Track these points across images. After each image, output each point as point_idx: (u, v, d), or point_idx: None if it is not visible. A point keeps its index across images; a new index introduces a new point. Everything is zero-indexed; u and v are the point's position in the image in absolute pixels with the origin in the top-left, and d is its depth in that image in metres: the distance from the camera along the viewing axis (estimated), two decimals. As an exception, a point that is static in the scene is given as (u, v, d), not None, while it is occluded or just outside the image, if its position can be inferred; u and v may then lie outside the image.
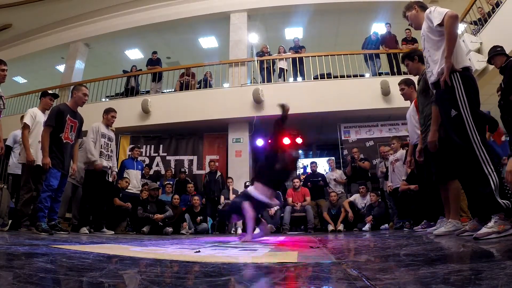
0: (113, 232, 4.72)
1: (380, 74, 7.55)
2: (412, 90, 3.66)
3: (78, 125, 3.91)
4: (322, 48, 8.85)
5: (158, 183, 6.59)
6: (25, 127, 3.99)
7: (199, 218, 5.88)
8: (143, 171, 6.45)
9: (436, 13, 2.23)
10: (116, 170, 4.93)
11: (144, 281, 0.93)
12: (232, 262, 1.38)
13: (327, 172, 7.17)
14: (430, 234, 2.92)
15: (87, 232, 4.19)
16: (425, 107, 2.99)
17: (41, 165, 3.58)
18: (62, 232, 3.67)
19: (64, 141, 3.71)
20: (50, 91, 4.63)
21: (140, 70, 9.02)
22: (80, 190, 4.75)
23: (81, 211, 4.47)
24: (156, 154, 7.76)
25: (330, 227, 5.83)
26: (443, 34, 2.19)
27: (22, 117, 4.98)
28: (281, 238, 3.78)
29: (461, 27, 6.75)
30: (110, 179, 4.74)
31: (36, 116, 4.12)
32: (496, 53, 3.54)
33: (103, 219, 4.70)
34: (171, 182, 6.73)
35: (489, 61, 3.73)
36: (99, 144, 4.48)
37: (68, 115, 3.77)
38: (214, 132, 7.77)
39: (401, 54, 7.33)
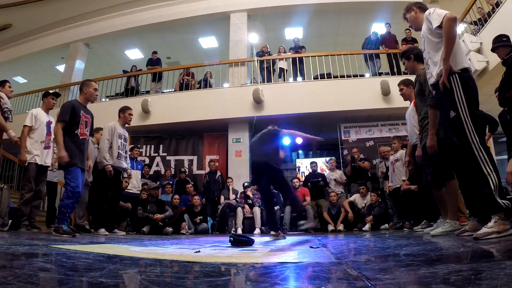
0: (125, 233, 4.70)
1: (380, 74, 7.54)
2: (411, 90, 3.65)
3: (91, 120, 3.71)
4: (322, 48, 8.85)
5: (158, 183, 6.59)
6: (25, 127, 3.99)
7: (199, 218, 5.88)
8: (143, 171, 6.45)
9: (435, 15, 2.23)
10: (130, 170, 4.82)
11: (144, 281, 0.93)
12: (232, 262, 1.38)
13: (326, 172, 7.17)
14: (424, 234, 2.93)
15: (107, 233, 4.05)
16: (422, 109, 2.99)
17: (58, 159, 3.35)
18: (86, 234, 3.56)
19: (81, 137, 3.49)
20: (50, 91, 4.60)
21: (140, 70, 9.01)
22: (86, 190, 4.63)
23: (99, 211, 4.26)
24: (156, 154, 7.76)
25: (330, 227, 5.84)
26: (442, 36, 2.19)
27: None
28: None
29: (461, 27, 6.74)
30: (125, 175, 4.67)
31: (38, 116, 4.08)
32: (501, 43, 3.39)
33: (115, 220, 4.59)
34: (171, 182, 6.73)
35: (493, 50, 3.57)
36: (116, 145, 4.29)
37: (82, 111, 3.56)
38: (214, 132, 7.76)
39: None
